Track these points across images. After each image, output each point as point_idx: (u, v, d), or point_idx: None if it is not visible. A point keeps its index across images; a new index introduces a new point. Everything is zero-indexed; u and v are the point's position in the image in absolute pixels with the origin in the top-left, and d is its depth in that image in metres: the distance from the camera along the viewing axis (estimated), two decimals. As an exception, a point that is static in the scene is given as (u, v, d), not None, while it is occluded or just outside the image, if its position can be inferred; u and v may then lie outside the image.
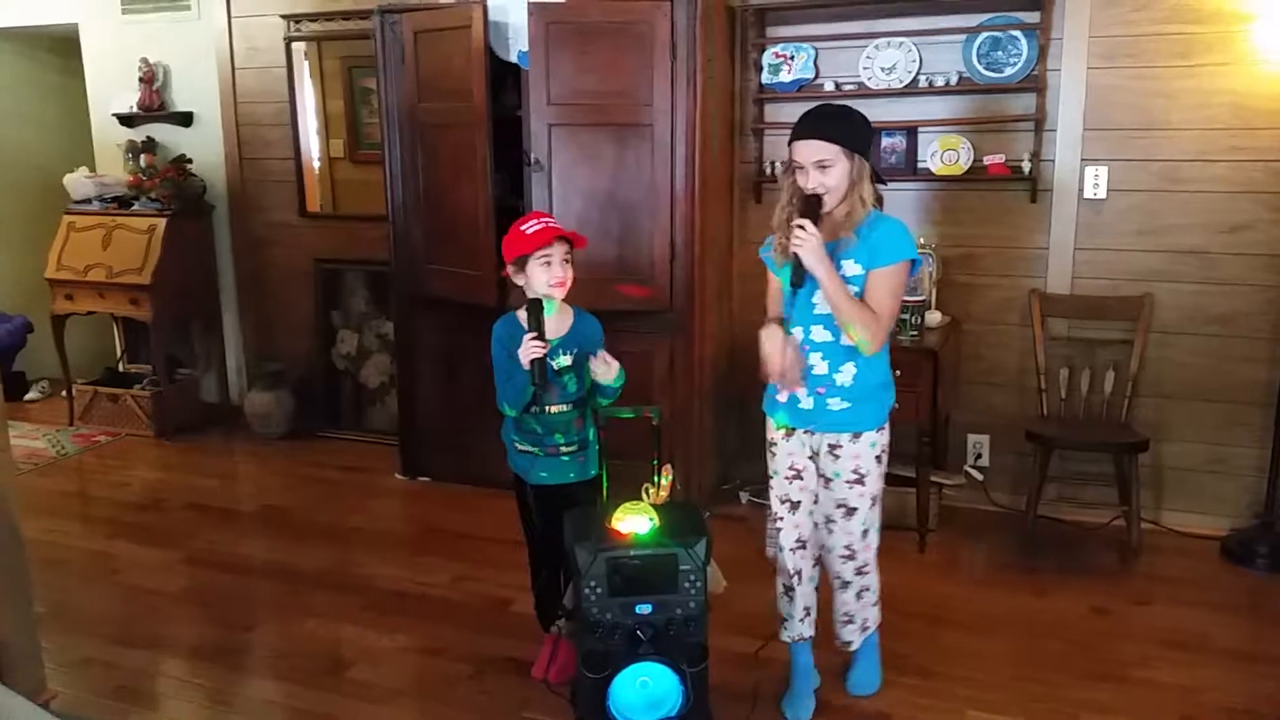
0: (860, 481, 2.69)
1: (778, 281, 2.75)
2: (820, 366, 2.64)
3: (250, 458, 5.24)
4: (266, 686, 3.04)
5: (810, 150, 2.53)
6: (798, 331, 2.66)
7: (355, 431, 5.44)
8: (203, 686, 3.03)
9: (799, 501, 2.77)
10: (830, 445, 2.70)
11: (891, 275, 2.57)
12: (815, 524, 2.80)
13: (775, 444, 2.79)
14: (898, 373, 2.86)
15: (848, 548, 2.76)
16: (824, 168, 2.52)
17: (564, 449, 2.81)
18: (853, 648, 2.89)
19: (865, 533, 2.76)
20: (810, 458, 2.75)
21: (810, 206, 2.55)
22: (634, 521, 2.51)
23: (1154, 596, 3.51)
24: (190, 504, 4.50)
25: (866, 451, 2.69)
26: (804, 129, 2.57)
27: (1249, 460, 3.91)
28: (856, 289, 2.56)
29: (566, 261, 2.71)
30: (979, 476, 4.25)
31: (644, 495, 2.61)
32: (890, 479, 3.09)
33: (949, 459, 4.23)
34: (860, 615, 2.85)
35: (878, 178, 2.64)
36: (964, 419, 4.23)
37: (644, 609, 2.45)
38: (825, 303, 2.57)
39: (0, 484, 2.54)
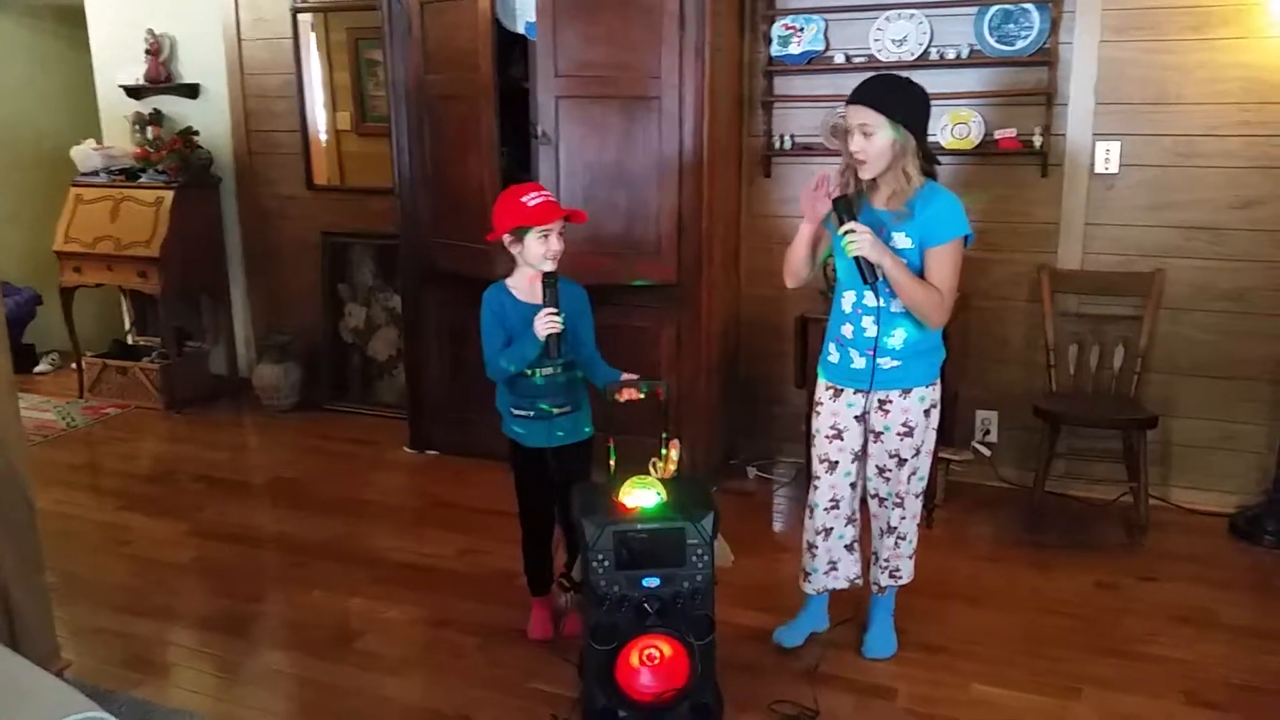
0: (910, 434, 2.77)
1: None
2: (871, 330, 2.69)
3: (258, 430, 5.26)
4: (275, 657, 3.06)
5: (855, 114, 2.58)
6: (850, 295, 2.72)
7: (363, 404, 5.46)
8: (212, 656, 3.06)
9: (837, 462, 2.84)
10: (880, 401, 2.76)
11: (948, 253, 2.63)
12: (861, 479, 2.88)
13: (821, 403, 2.86)
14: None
15: (898, 495, 2.85)
16: (866, 134, 2.56)
17: (556, 411, 2.88)
18: (878, 589, 2.97)
19: (914, 481, 2.84)
20: (857, 417, 2.80)
21: (845, 207, 2.59)
22: (641, 496, 2.53)
23: (1160, 573, 3.51)
24: (199, 476, 4.53)
25: (915, 405, 2.75)
26: (856, 93, 2.60)
27: (1258, 437, 3.90)
28: (906, 261, 2.60)
29: (560, 234, 2.78)
30: (986, 452, 4.25)
31: (651, 470, 2.63)
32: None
33: (956, 435, 4.21)
34: (894, 562, 2.92)
35: (930, 157, 2.65)
36: (972, 395, 4.22)
37: (651, 582, 2.46)
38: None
39: (12, 455, 2.55)
